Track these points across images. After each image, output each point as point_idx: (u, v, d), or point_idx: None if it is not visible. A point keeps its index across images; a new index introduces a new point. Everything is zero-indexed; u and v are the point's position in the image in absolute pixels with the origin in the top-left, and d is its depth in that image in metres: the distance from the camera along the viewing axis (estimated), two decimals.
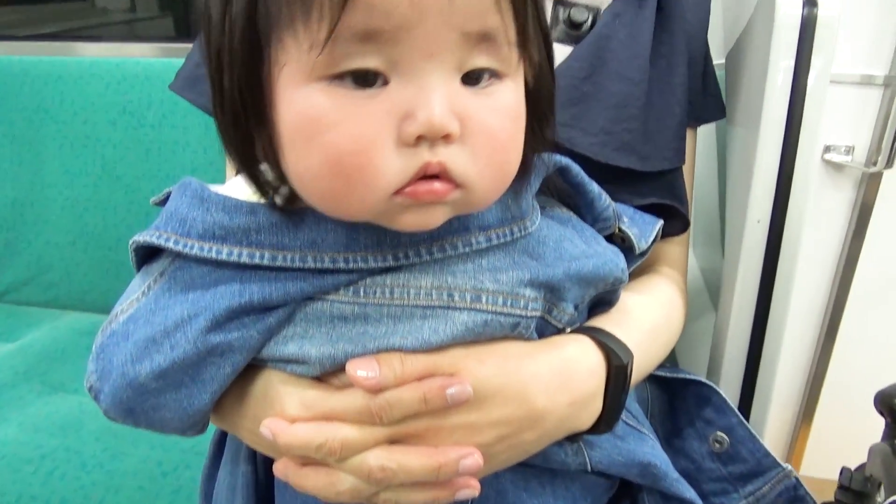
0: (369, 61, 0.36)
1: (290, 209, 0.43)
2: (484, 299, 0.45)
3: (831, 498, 0.69)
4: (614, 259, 0.52)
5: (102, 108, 1.21)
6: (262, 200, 0.44)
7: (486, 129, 0.39)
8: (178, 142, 1.20)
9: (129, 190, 1.24)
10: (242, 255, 0.43)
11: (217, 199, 0.44)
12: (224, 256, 0.43)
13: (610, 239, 0.56)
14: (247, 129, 0.41)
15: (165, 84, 1.18)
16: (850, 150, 1.15)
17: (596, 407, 0.50)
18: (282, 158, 0.41)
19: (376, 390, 0.43)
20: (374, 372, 0.43)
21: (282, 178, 0.42)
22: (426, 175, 0.38)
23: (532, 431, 0.47)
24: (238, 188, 0.46)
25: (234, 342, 0.44)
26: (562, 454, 0.52)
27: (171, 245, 0.43)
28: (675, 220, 0.66)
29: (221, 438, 0.63)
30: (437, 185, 0.39)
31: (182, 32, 1.98)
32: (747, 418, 0.74)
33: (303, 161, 0.39)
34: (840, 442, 1.38)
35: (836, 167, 1.17)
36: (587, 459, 0.53)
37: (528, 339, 0.49)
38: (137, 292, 0.46)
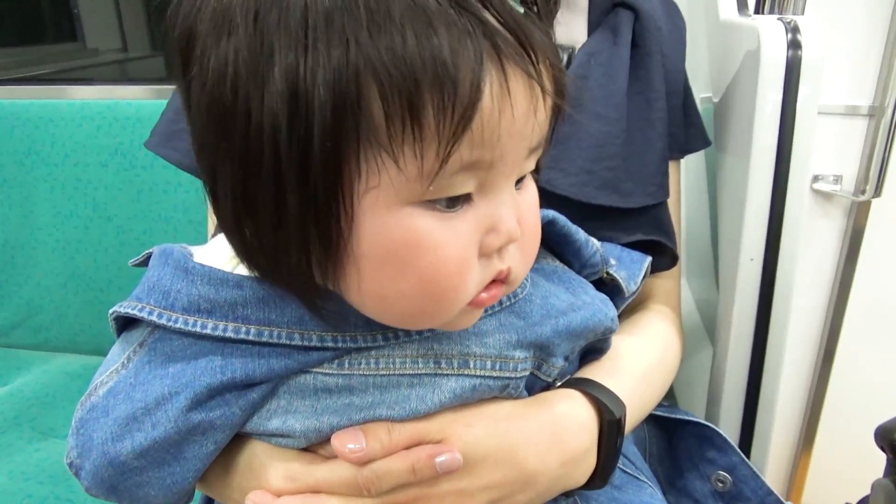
0: (468, 187, 0.36)
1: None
2: (472, 364, 0.44)
3: None
4: (603, 309, 0.51)
5: (94, 150, 1.21)
6: (247, 271, 0.44)
7: (531, 225, 0.42)
8: (170, 182, 1.20)
9: (121, 231, 1.23)
10: (227, 329, 0.42)
11: (202, 272, 0.43)
12: (209, 331, 0.42)
13: (599, 282, 0.56)
14: (288, 241, 0.36)
15: None
16: (838, 180, 1.16)
17: (590, 463, 0.49)
18: (348, 277, 0.38)
19: (363, 462, 0.42)
20: (360, 444, 0.42)
21: (321, 288, 0.39)
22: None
23: (524, 494, 0.46)
24: (216, 253, 0.45)
25: (216, 420, 0.43)
26: None
27: (154, 318, 0.43)
28: (663, 255, 0.66)
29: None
30: (496, 291, 0.40)
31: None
32: (748, 452, 0.74)
33: (392, 284, 0.37)
34: (841, 469, 1.37)
35: (826, 196, 1.18)
36: None
37: (518, 397, 0.48)
38: (117, 363, 0.46)
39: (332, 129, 0.32)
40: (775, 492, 0.64)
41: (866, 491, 0.70)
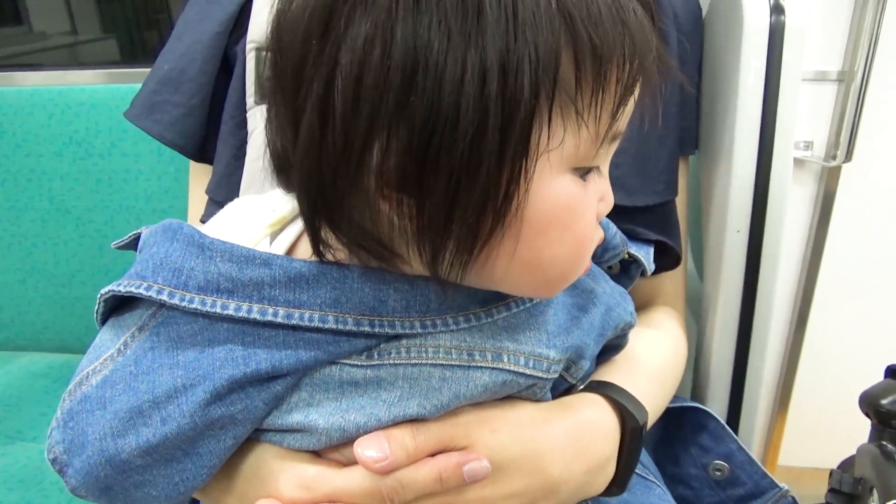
0: (602, 159, 0.39)
1: (329, 263, 0.40)
2: (505, 358, 0.42)
3: (811, 489, 0.69)
4: (622, 303, 0.50)
5: (46, 139, 1.16)
6: (267, 248, 0.40)
7: None
8: (130, 170, 1.15)
9: (80, 223, 1.18)
10: (252, 311, 0.38)
11: (222, 248, 0.39)
12: (231, 311, 0.38)
13: (609, 272, 0.55)
14: (453, 211, 0.34)
15: (112, 111, 1.14)
16: (809, 146, 1.16)
17: (610, 471, 0.48)
18: (503, 246, 0.36)
19: (387, 472, 0.40)
20: (384, 452, 0.39)
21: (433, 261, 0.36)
22: None
23: (546, 502, 0.45)
24: (230, 231, 0.42)
25: (237, 414, 0.40)
26: None
27: (164, 298, 0.38)
28: (667, 255, 0.64)
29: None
30: (590, 260, 0.43)
31: (127, 56, 1.92)
32: (737, 425, 0.73)
33: (550, 249, 0.37)
34: (815, 430, 1.39)
35: (797, 162, 1.18)
36: None
37: (541, 399, 0.46)
38: (111, 349, 0.41)
39: (536, 85, 0.32)
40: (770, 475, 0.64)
41: (839, 451, 0.71)
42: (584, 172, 0.37)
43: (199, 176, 0.71)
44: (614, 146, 0.40)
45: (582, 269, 0.41)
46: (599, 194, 0.40)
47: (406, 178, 0.33)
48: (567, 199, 0.37)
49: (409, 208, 0.35)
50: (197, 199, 0.73)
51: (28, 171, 1.17)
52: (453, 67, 0.31)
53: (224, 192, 0.64)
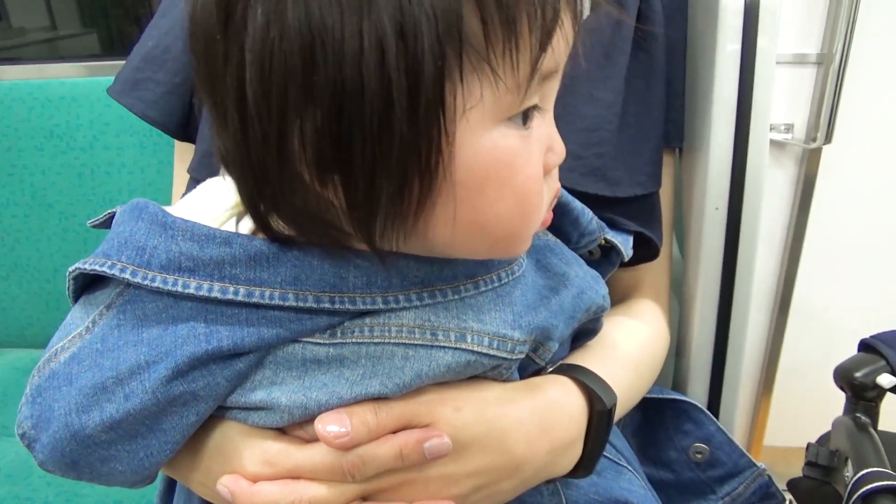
0: (536, 98, 0.37)
1: (284, 241, 0.40)
2: (469, 339, 0.42)
3: (797, 468, 0.70)
4: (594, 286, 0.50)
5: (27, 133, 1.15)
6: (232, 228, 0.41)
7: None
8: (113, 163, 1.14)
9: (63, 217, 1.17)
10: (213, 289, 0.38)
11: (184, 227, 0.39)
12: (192, 290, 0.38)
13: (589, 258, 0.55)
14: (380, 184, 0.33)
15: (93, 104, 1.14)
16: (789, 128, 1.17)
17: (576, 452, 0.49)
18: (439, 213, 0.36)
19: (348, 447, 0.40)
20: (345, 427, 0.40)
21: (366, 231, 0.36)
22: None
23: (510, 480, 0.45)
24: (197, 211, 0.42)
25: (200, 391, 0.40)
26: (538, 496, 0.51)
27: (126, 276, 0.39)
28: (647, 246, 0.64)
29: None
30: (550, 214, 0.42)
31: (107, 49, 1.90)
32: (717, 405, 0.74)
33: (492, 207, 0.36)
34: (799, 411, 1.41)
35: (778, 145, 1.19)
36: (563, 500, 0.52)
37: (507, 379, 0.47)
38: (80, 327, 0.41)
39: (439, 47, 0.31)
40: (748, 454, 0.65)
41: (824, 430, 0.72)
42: (522, 117, 0.36)
43: (184, 155, 0.71)
44: (552, 84, 0.38)
45: (535, 224, 0.40)
46: (546, 144, 0.39)
47: (326, 158, 0.33)
48: (501, 153, 0.35)
49: (336, 187, 0.35)
50: (180, 177, 0.72)
51: (9, 165, 1.16)
52: (350, 40, 0.31)
53: (206, 171, 0.64)
